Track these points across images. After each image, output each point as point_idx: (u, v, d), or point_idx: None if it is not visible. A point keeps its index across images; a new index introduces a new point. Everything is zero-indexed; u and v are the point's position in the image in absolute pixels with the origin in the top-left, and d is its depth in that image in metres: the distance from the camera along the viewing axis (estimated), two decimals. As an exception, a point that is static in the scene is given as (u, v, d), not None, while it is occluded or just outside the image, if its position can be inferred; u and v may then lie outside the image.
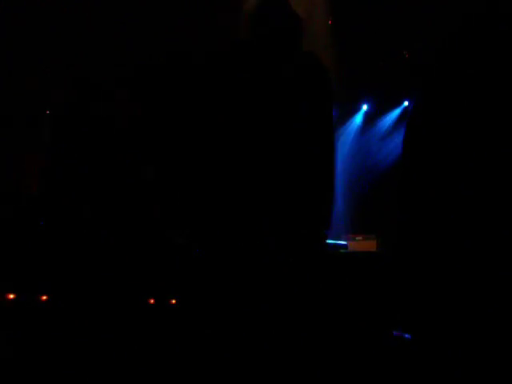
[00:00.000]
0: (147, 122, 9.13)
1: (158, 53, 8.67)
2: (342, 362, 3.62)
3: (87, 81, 8.28)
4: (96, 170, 8.31)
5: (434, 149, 2.02)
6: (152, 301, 4.33)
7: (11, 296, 4.33)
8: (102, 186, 8.15)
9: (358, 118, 10.66)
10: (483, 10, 1.97)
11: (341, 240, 8.62)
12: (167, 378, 3.70)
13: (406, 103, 10.26)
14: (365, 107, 10.58)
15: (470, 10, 2.03)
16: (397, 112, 10.36)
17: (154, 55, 8.64)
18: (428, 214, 2.01)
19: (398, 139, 10.16)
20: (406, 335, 2.18)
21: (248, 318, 3.67)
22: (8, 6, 7.64)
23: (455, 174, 1.94)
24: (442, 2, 7.35)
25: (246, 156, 2.10)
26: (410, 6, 8.27)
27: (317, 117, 2.16)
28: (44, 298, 4.36)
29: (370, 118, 10.57)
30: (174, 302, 4.27)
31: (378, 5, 8.46)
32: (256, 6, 2.38)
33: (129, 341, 4.02)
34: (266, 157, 2.10)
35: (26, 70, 7.87)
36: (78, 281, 4.56)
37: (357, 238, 8.80)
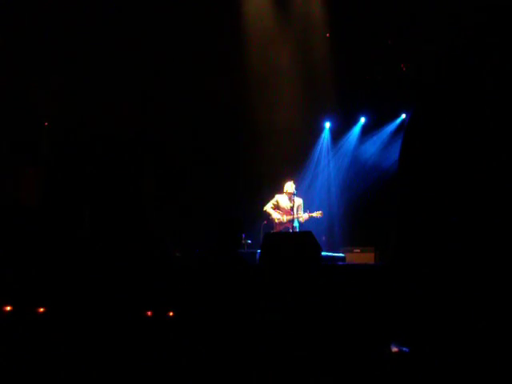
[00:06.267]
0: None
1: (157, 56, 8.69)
2: (339, 375, 3.60)
3: (85, 93, 8.31)
4: (94, 181, 8.31)
5: (430, 160, 2.03)
6: (149, 313, 4.31)
7: (8, 308, 4.32)
8: (101, 198, 8.15)
9: (356, 131, 10.68)
10: (479, 26, 1.99)
11: (339, 252, 8.63)
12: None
13: (403, 116, 10.27)
14: (363, 120, 10.60)
15: (465, 26, 2.05)
16: (394, 125, 10.38)
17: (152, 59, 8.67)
18: (425, 226, 2.02)
19: (395, 152, 10.18)
20: (404, 348, 2.17)
21: (245, 329, 3.65)
22: (7, 20, 7.69)
23: (452, 186, 1.95)
24: (438, 18, 7.43)
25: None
26: (408, 21, 8.35)
27: None
28: (41, 310, 4.35)
29: (367, 131, 10.59)
30: (171, 314, 4.25)
31: (376, 19, 8.53)
32: None
33: (126, 353, 4.00)
34: None
35: (25, 83, 7.90)
36: (76, 293, 4.55)
37: (355, 250, 8.80)
